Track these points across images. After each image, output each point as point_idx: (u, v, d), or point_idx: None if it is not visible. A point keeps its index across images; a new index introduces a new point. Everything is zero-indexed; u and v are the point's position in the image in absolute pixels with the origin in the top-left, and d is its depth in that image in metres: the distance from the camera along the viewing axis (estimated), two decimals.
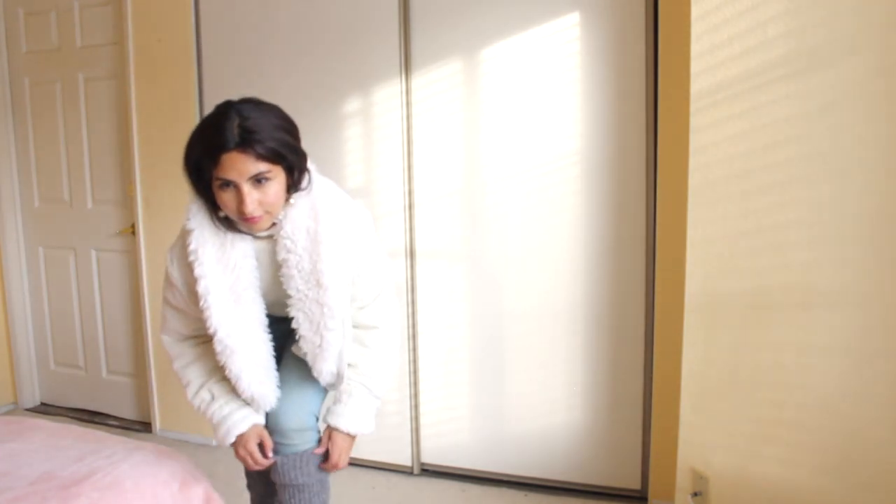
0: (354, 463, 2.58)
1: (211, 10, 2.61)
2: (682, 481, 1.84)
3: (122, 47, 2.79)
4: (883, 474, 1.49)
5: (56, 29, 2.99)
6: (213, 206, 1.27)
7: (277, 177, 1.23)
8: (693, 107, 1.68)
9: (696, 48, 1.66)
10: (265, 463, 1.41)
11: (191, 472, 1.55)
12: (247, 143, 1.16)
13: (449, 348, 2.43)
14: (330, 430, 1.42)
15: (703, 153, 1.69)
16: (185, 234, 1.30)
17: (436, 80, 2.32)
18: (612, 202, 2.18)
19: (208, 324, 1.30)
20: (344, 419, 1.40)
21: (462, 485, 2.44)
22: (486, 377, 2.40)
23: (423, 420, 2.50)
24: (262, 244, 1.34)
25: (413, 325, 2.45)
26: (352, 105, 2.43)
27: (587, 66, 2.15)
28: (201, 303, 1.28)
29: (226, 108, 1.20)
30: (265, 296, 1.36)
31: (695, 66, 1.66)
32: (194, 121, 2.66)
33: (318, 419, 1.48)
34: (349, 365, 1.40)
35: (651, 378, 2.18)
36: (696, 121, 1.68)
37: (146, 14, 2.71)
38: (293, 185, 1.29)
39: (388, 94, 2.37)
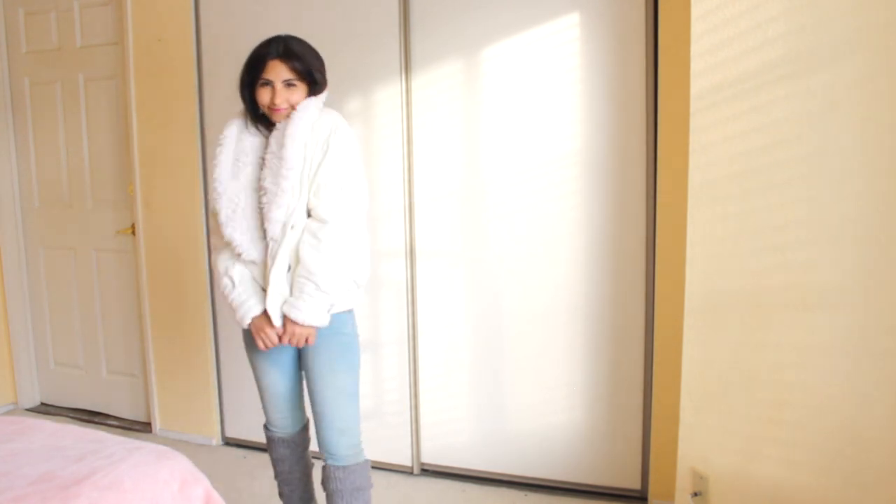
0: None
1: (211, 11, 2.61)
2: (682, 481, 1.84)
3: (122, 47, 2.79)
4: (882, 474, 1.50)
5: (56, 29, 2.99)
6: (251, 108, 1.69)
7: (301, 88, 1.65)
8: (693, 107, 1.68)
9: (696, 48, 1.66)
10: (275, 342, 1.64)
11: (191, 472, 1.55)
12: (286, 56, 1.62)
13: (449, 348, 2.44)
14: (286, 319, 1.62)
15: (703, 153, 1.69)
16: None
17: (436, 80, 2.32)
18: (612, 202, 2.18)
19: (215, 189, 1.67)
20: (296, 311, 1.59)
21: (462, 485, 2.44)
22: (486, 377, 2.40)
23: (423, 420, 2.50)
24: (271, 138, 1.68)
25: (413, 325, 2.45)
26: (352, 105, 2.43)
27: (587, 66, 2.15)
28: (215, 162, 1.68)
29: (277, 35, 1.67)
30: (262, 179, 1.66)
31: (695, 66, 1.66)
32: (195, 121, 2.67)
33: (359, 433, 1.77)
34: (301, 263, 1.59)
35: (651, 378, 2.18)
36: (696, 121, 1.68)
37: (146, 14, 2.71)
38: (311, 93, 1.69)
39: (388, 94, 2.37)
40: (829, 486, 1.58)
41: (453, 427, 2.47)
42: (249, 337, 1.74)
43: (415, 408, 2.49)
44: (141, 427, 3.02)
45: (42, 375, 3.30)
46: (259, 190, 1.64)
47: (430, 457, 2.52)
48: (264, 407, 1.85)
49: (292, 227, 1.60)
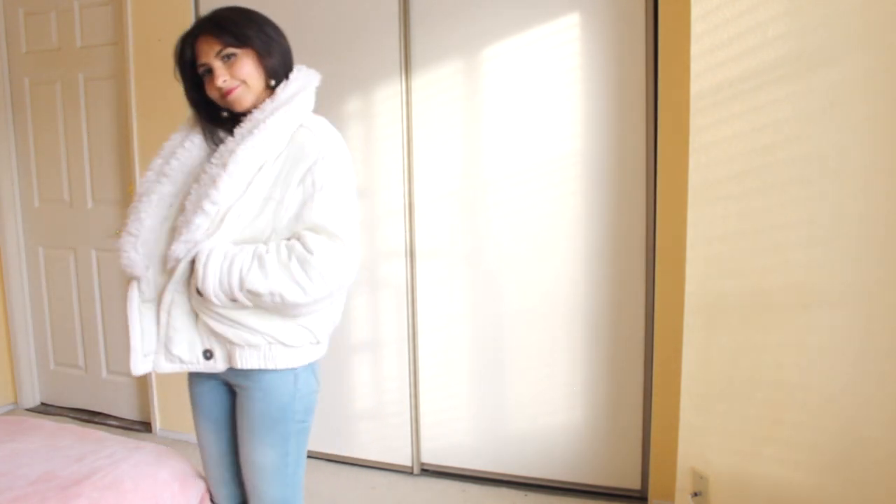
0: (354, 463, 2.58)
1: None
2: (682, 481, 1.84)
3: (122, 47, 2.79)
4: (882, 474, 1.50)
5: (56, 29, 2.99)
6: (209, 113, 1.40)
7: (247, 57, 1.33)
8: (693, 107, 1.68)
9: (696, 48, 1.66)
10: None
11: (191, 472, 1.55)
12: (212, 26, 1.32)
13: (449, 348, 2.43)
14: (194, 259, 1.29)
15: (703, 153, 1.69)
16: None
17: (436, 80, 2.32)
18: (612, 202, 2.18)
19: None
20: (204, 262, 1.26)
21: (462, 485, 2.44)
22: (486, 377, 2.40)
23: (423, 420, 2.50)
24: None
25: (413, 325, 2.45)
26: (352, 105, 2.43)
27: (587, 66, 2.15)
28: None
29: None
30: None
31: (695, 66, 1.66)
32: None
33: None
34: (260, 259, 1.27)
35: (651, 378, 2.18)
36: (696, 121, 1.68)
37: (146, 14, 2.71)
38: (272, 73, 1.36)
39: (388, 94, 2.37)
40: (829, 486, 1.58)
41: (453, 427, 2.47)
42: (190, 380, 1.49)
43: (415, 408, 2.49)
44: (141, 427, 3.02)
45: (42, 375, 3.30)
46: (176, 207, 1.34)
47: (430, 457, 2.52)
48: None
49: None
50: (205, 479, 1.54)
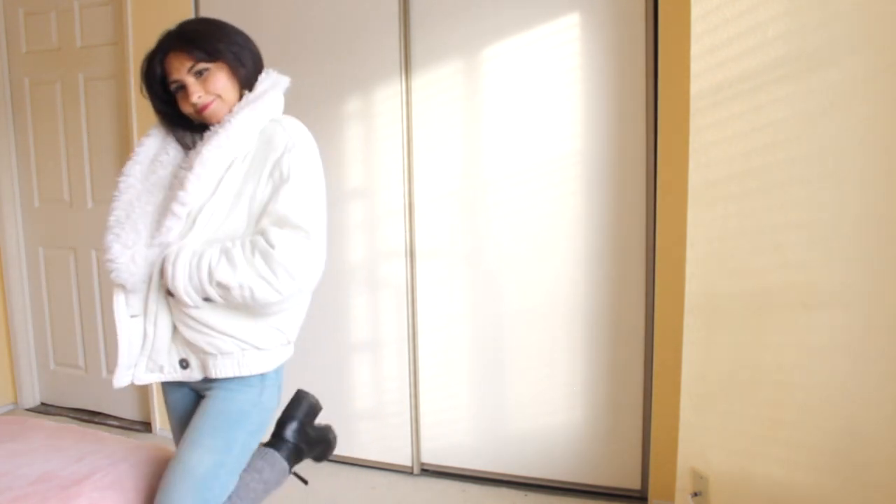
0: (354, 463, 2.58)
1: (211, 11, 2.61)
2: (682, 481, 1.84)
3: (122, 47, 2.79)
4: (883, 474, 1.49)
5: (56, 29, 2.99)
6: (181, 123, 1.39)
7: (220, 70, 1.32)
8: (693, 107, 1.68)
9: (696, 48, 1.66)
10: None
11: None
12: (181, 41, 1.31)
13: (449, 348, 2.43)
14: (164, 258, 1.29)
15: (703, 153, 1.69)
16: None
17: (436, 80, 2.32)
18: (612, 202, 2.18)
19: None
20: (173, 261, 1.27)
21: (462, 485, 2.44)
22: (486, 377, 2.40)
23: (423, 420, 2.50)
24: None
25: (413, 325, 2.45)
26: (352, 105, 2.43)
27: (587, 66, 2.15)
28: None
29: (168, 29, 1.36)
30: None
31: (695, 67, 1.66)
32: None
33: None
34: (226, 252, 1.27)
35: (651, 378, 2.18)
36: (696, 121, 1.68)
37: (146, 14, 2.71)
38: (245, 82, 1.37)
39: (388, 94, 2.37)
40: (829, 486, 1.58)
41: (453, 427, 2.47)
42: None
43: (415, 408, 2.49)
44: (141, 427, 3.02)
45: (42, 375, 3.30)
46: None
47: (430, 457, 2.52)
48: None
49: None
50: None
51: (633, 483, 2.28)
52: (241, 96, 1.36)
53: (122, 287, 1.36)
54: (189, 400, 1.48)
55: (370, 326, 2.50)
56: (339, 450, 2.56)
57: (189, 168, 1.29)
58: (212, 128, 1.32)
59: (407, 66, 2.34)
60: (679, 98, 1.92)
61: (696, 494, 1.81)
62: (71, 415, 3.17)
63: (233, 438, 1.36)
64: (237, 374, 1.34)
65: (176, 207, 1.28)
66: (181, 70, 1.30)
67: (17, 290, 3.21)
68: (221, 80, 1.32)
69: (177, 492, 1.31)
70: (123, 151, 2.89)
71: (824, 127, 1.52)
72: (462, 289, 2.39)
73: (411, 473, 2.52)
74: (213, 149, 1.28)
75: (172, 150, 1.40)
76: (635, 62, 2.10)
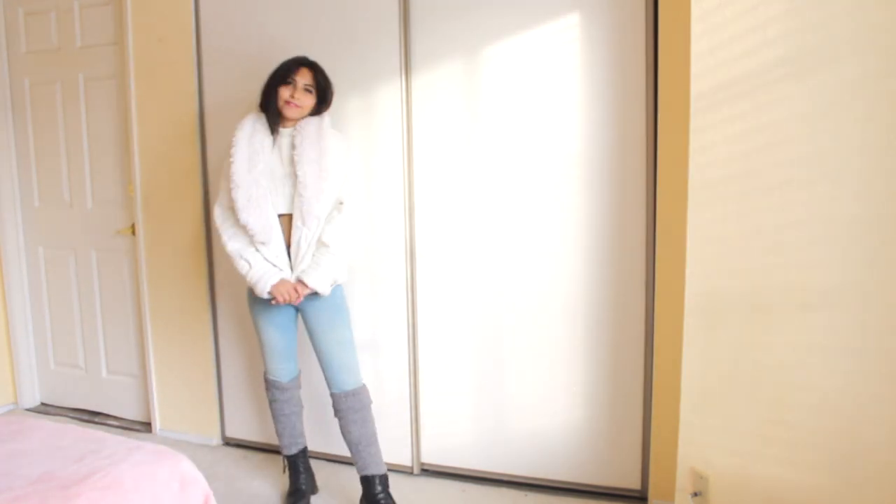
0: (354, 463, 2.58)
1: (211, 10, 2.61)
2: (682, 481, 1.84)
3: (122, 47, 2.79)
4: (882, 474, 1.50)
5: (56, 29, 2.99)
6: (267, 104, 2.07)
7: (312, 98, 2.09)
8: (693, 107, 1.68)
9: (696, 48, 1.66)
10: (296, 299, 2.03)
11: (191, 472, 1.55)
12: (313, 67, 2.10)
13: (449, 348, 2.43)
14: (299, 282, 2.04)
15: (703, 153, 1.69)
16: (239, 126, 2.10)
17: (436, 80, 2.32)
18: (613, 202, 2.18)
19: (233, 181, 1.99)
20: (310, 278, 2.02)
21: (462, 485, 2.44)
22: (486, 377, 2.40)
23: (423, 420, 2.50)
24: (278, 140, 2.08)
25: (413, 325, 2.45)
26: (352, 105, 2.43)
27: (587, 66, 2.15)
28: (231, 159, 2.01)
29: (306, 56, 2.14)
30: (272, 170, 2.05)
31: (695, 67, 1.66)
32: (194, 121, 2.67)
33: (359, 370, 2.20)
34: (323, 244, 2.03)
35: (651, 378, 2.18)
36: (696, 121, 1.68)
37: (146, 14, 2.71)
38: (315, 111, 2.12)
39: (388, 94, 2.37)
40: (829, 486, 1.59)
41: (453, 427, 2.47)
42: (255, 301, 2.13)
43: (415, 408, 2.49)
44: (141, 427, 3.02)
45: (42, 375, 3.30)
46: (291, 183, 2.03)
47: (430, 457, 2.52)
48: (264, 358, 2.24)
49: (320, 219, 2.02)
50: (205, 479, 1.55)
51: (633, 483, 2.28)
52: (307, 113, 2.11)
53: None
54: (287, 309, 2.15)
55: (370, 326, 2.50)
56: (339, 449, 2.57)
57: (320, 169, 2.05)
58: (326, 146, 2.06)
59: (407, 66, 2.34)
60: (679, 98, 1.92)
61: (696, 494, 1.81)
62: (71, 415, 3.17)
63: (346, 319, 2.18)
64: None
65: (319, 207, 2.07)
66: (303, 79, 2.06)
67: (17, 290, 3.21)
68: (310, 102, 2.08)
69: (342, 356, 2.13)
70: (123, 151, 2.89)
71: (824, 127, 1.52)
72: (462, 288, 2.39)
73: (411, 473, 2.52)
74: (332, 139, 2.12)
75: (259, 137, 2.07)
76: (635, 62, 2.10)
